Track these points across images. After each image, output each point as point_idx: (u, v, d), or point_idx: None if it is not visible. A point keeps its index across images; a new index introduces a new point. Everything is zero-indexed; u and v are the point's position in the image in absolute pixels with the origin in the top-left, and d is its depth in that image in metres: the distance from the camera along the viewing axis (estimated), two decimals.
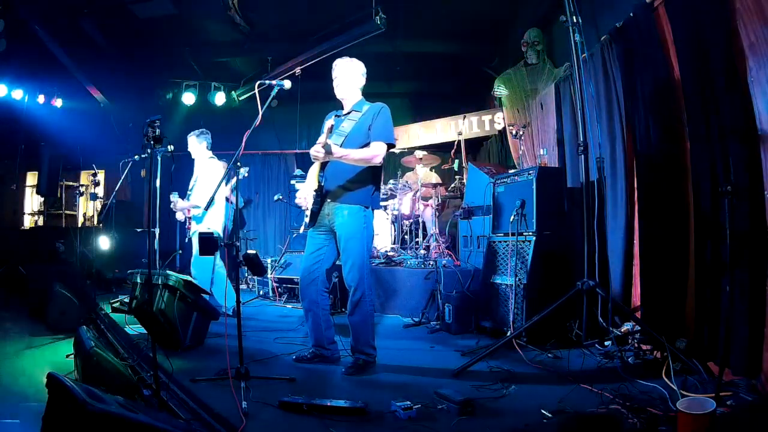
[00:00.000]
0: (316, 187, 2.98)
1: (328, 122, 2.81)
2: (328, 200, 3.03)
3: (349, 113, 3.14)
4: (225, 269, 4.87)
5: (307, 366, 3.11)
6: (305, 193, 3.11)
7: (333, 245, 3.13)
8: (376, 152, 2.95)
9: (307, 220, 3.10)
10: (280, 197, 6.72)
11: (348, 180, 3.00)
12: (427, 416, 2.25)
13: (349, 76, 3.13)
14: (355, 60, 3.19)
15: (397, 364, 3.17)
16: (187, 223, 4.89)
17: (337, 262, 3.19)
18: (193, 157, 4.92)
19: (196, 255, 4.72)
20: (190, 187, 4.85)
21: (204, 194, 4.71)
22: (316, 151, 2.84)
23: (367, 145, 2.99)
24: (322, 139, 2.83)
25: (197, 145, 4.88)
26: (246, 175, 6.63)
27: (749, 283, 2.43)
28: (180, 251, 4.89)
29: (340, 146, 2.95)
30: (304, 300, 3.16)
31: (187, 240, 4.94)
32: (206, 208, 4.54)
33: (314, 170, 3.00)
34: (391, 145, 3.03)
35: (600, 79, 3.98)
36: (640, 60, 3.43)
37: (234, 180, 5.64)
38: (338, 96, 3.16)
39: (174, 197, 4.79)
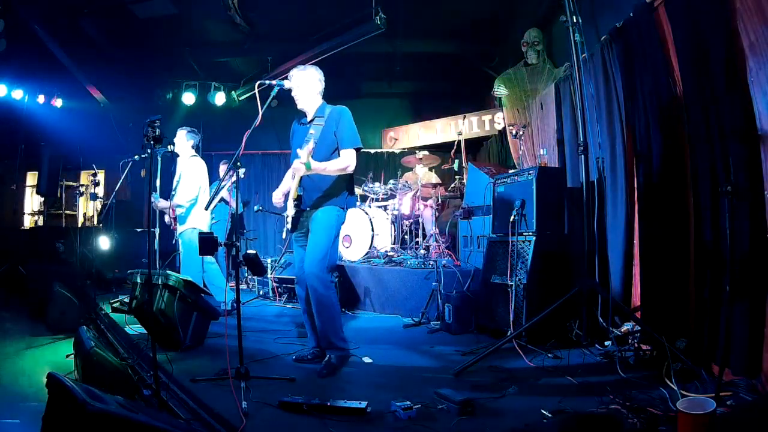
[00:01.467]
0: (295, 197, 3.08)
1: (307, 146, 2.87)
2: (308, 208, 3.13)
3: (312, 120, 3.18)
4: (216, 264, 4.87)
5: (307, 366, 3.11)
6: (281, 197, 3.24)
7: None
8: (349, 161, 3.05)
9: (288, 226, 3.22)
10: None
11: (324, 188, 3.12)
12: (427, 416, 2.25)
13: (305, 85, 3.16)
14: (309, 67, 3.21)
15: (397, 364, 3.17)
16: (173, 224, 4.86)
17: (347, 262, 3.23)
18: (176, 151, 4.90)
19: (185, 256, 4.72)
20: (174, 186, 4.83)
21: (186, 193, 4.70)
22: (296, 168, 2.92)
23: (336, 150, 3.09)
24: (303, 153, 2.87)
25: (185, 141, 4.86)
26: (243, 176, 6.62)
27: (749, 283, 2.43)
28: (180, 251, 4.89)
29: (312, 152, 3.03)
30: (300, 300, 3.24)
31: (174, 241, 4.91)
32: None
33: (293, 182, 3.07)
34: (359, 149, 3.12)
35: (600, 79, 3.98)
36: (640, 60, 3.43)
37: (233, 179, 5.63)
38: (299, 107, 3.21)
39: (154, 198, 4.77)
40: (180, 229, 4.77)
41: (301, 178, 3.04)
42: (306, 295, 3.14)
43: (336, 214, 3.12)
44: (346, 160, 3.04)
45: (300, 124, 3.29)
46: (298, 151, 2.90)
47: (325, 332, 3.05)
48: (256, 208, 6.90)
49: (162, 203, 4.75)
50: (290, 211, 3.16)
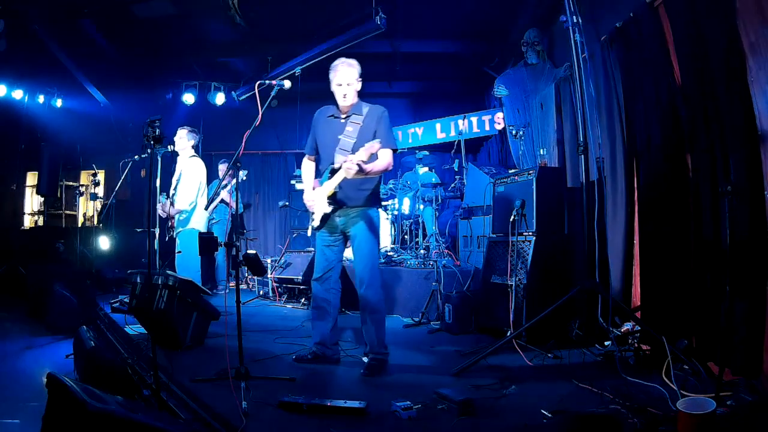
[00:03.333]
0: (330, 193, 3.03)
1: (369, 147, 2.79)
2: (342, 205, 3.09)
3: (349, 116, 3.13)
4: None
5: (307, 366, 3.11)
6: (314, 196, 3.16)
7: (342, 246, 3.23)
8: (389, 161, 3.06)
9: (314, 223, 3.16)
10: (286, 204, 6.75)
11: (363, 188, 3.10)
12: (428, 416, 2.25)
13: (355, 82, 3.10)
14: (353, 62, 3.14)
15: (397, 364, 3.17)
16: (169, 222, 4.84)
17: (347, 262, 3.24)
18: (176, 150, 4.89)
19: (182, 256, 4.71)
20: (173, 186, 4.82)
21: (187, 196, 4.69)
22: (349, 168, 2.84)
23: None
24: (364, 153, 2.79)
25: (186, 141, 4.84)
26: (244, 178, 6.62)
27: (749, 283, 2.43)
28: (179, 251, 4.89)
29: (350, 151, 3.00)
30: (315, 298, 3.23)
31: (167, 239, 4.90)
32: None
33: (334, 179, 2.99)
34: (396, 150, 3.13)
35: (600, 79, 3.98)
36: (640, 60, 3.43)
37: (234, 182, 5.63)
38: (344, 103, 3.12)
39: (162, 199, 4.76)
40: (179, 229, 4.77)
41: (334, 173, 3.01)
42: (323, 295, 3.18)
43: (374, 216, 3.14)
44: (387, 160, 3.04)
45: (330, 116, 3.20)
46: (364, 147, 2.80)
47: (374, 338, 3.08)
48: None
49: (172, 210, 4.72)
50: (323, 208, 3.09)
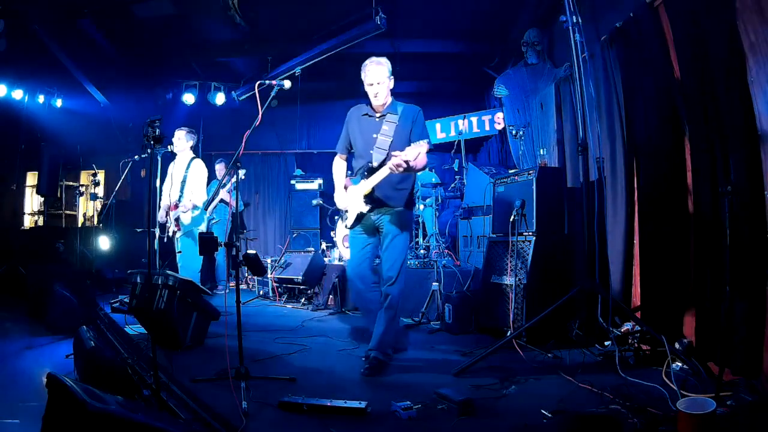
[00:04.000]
0: (368, 192, 3.04)
1: (420, 145, 2.78)
2: (379, 205, 3.09)
3: (384, 115, 3.13)
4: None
5: (307, 366, 3.11)
6: (349, 195, 3.17)
7: (375, 244, 3.24)
8: (426, 160, 3.04)
9: (348, 222, 3.19)
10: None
11: (401, 187, 3.12)
12: (428, 416, 2.25)
13: (386, 80, 3.10)
14: (383, 59, 3.14)
15: (397, 364, 3.17)
16: (169, 222, 4.84)
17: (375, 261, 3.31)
18: (175, 151, 4.89)
19: (184, 255, 4.72)
20: (177, 187, 4.82)
21: (199, 195, 4.71)
22: (397, 165, 2.82)
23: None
24: (412, 152, 2.78)
25: (184, 142, 4.86)
26: (243, 177, 6.61)
27: (749, 283, 2.43)
28: (180, 251, 4.89)
29: (387, 149, 3.03)
30: (360, 302, 3.36)
31: (166, 240, 4.90)
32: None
33: (375, 177, 2.99)
34: (431, 149, 3.11)
35: (600, 79, 3.98)
36: (640, 60, 3.43)
37: (233, 180, 5.63)
38: (376, 102, 3.12)
39: (167, 201, 4.77)
40: (191, 228, 4.78)
41: (371, 172, 3.02)
42: (362, 290, 3.22)
43: (409, 216, 3.17)
44: (425, 160, 3.02)
45: (364, 115, 3.21)
46: (413, 146, 2.78)
47: (385, 338, 3.06)
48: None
49: (191, 214, 4.72)
50: (359, 207, 3.10)
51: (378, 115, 3.14)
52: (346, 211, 3.20)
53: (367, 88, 3.10)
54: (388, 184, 3.04)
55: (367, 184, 3.03)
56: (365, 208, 3.07)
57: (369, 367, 2.94)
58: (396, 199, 3.11)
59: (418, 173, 3.23)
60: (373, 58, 3.13)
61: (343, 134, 3.30)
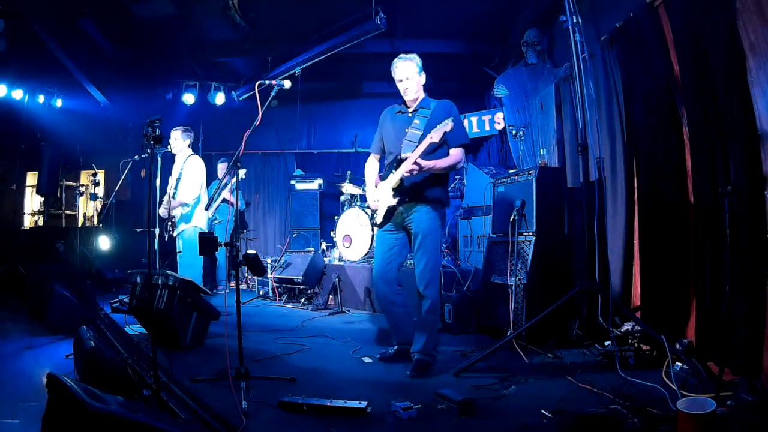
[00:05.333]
0: (396, 184, 2.97)
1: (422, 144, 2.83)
2: (406, 199, 3.01)
3: (416, 110, 3.10)
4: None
5: (308, 366, 3.11)
6: (378, 192, 3.11)
7: (404, 244, 3.14)
8: (460, 158, 3.01)
9: (377, 219, 3.12)
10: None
11: (425, 179, 3.01)
12: (427, 416, 2.25)
13: (415, 75, 3.08)
14: (412, 56, 3.12)
15: (398, 364, 3.16)
16: (170, 222, 4.85)
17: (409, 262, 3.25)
18: (173, 152, 4.90)
19: (185, 255, 4.72)
20: (173, 185, 4.82)
21: (190, 191, 4.70)
22: (408, 169, 2.83)
23: (441, 145, 3.00)
24: (408, 148, 2.82)
25: (181, 141, 4.87)
26: (243, 177, 6.59)
27: (749, 283, 2.43)
28: (180, 251, 4.89)
29: (417, 142, 2.96)
30: (382, 303, 3.19)
31: (167, 238, 4.91)
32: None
33: (396, 174, 2.96)
34: (467, 146, 3.10)
35: (600, 79, 3.98)
36: (640, 60, 3.43)
37: (234, 180, 5.63)
38: (408, 98, 3.12)
39: (166, 199, 4.78)
40: (182, 227, 4.78)
41: (399, 164, 2.96)
42: (389, 296, 3.10)
43: (440, 213, 3.06)
44: (458, 157, 2.99)
45: (398, 113, 3.19)
46: (424, 143, 2.82)
47: (426, 339, 2.97)
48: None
49: (173, 204, 4.72)
50: (387, 201, 3.03)
51: (411, 110, 3.13)
52: (376, 210, 3.13)
53: (398, 85, 3.10)
54: (418, 177, 2.95)
55: (395, 176, 2.96)
56: (393, 202, 3.00)
57: (415, 368, 2.90)
58: (428, 193, 3.01)
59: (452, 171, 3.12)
60: (402, 55, 3.12)
61: (377, 135, 3.29)
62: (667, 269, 3.14)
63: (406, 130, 3.05)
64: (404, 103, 3.17)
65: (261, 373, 2.80)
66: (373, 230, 5.84)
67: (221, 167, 7.30)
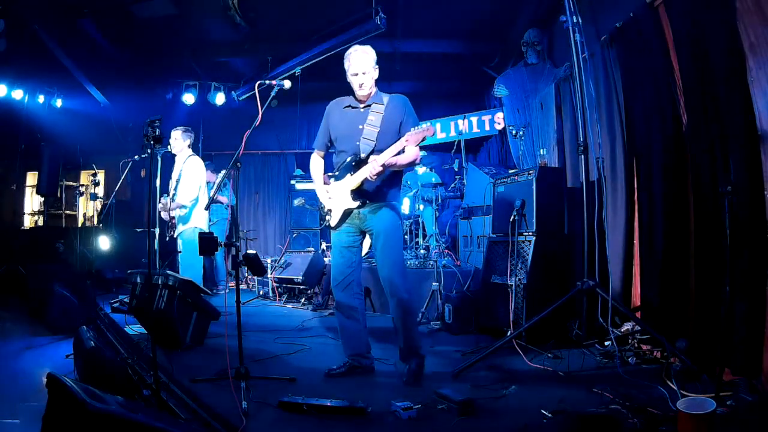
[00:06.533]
0: (356, 186, 2.87)
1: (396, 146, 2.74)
2: (369, 200, 2.89)
3: (369, 105, 2.96)
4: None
5: (307, 366, 3.10)
6: (333, 192, 2.99)
7: (361, 246, 3.06)
8: (417, 154, 2.91)
9: (332, 221, 2.99)
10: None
11: (386, 179, 2.91)
12: (427, 416, 2.25)
13: (371, 69, 2.92)
14: (368, 48, 2.95)
15: (398, 364, 3.16)
16: (170, 222, 4.85)
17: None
18: (173, 152, 4.90)
19: (184, 255, 4.72)
20: (173, 185, 4.83)
21: (188, 193, 4.70)
22: (375, 172, 2.74)
23: (397, 141, 2.85)
24: (367, 147, 2.73)
25: (181, 141, 4.86)
26: (228, 179, 6.58)
27: (749, 283, 2.43)
28: (180, 251, 4.89)
29: (375, 140, 2.86)
30: (341, 307, 2.99)
31: (168, 239, 4.91)
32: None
33: (357, 176, 2.86)
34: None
35: (600, 79, 3.98)
36: (640, 60, 3.43)
37: (221, 176, 5.60)
38: (361, 93, 2.95)
39: (164, 199, 4.78)
40: (180, 228, 4.78)
41: (358, 167, 2.86)
42: (349, 302, 2.96)
43: (397, 212, 2.97)
44: (416, 153, 2.88)
45: (346, 107, 3.02)
46: (392, 148, 2.74)
47: (410, 339, 2.88)
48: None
49: (172, 205, 4.72)
50: (345, 203, 2.91)
51: (363, 105, 2.97)
52: (329, 211, 3.02)
53: (351, 79, 2.93)
54: (380, 176, 2.84)
55: (356, 178, 2.85)
56: (353, 204, 2.88)
57: (412, 375, 2.77)
58: (388, 193, 2.94)
59: (412, 167, 3.11)
60: (358, 47, 2.94)
61: (322, 129, 3.10)
62: (667, 269, 3.14)
63: (360, 127, 2.90)
64: (354, 96, 2.99)
65: (261, 373, 2.80)
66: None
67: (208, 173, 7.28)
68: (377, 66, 2.96)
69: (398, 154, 2.82)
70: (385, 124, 2.90)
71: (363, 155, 2.87)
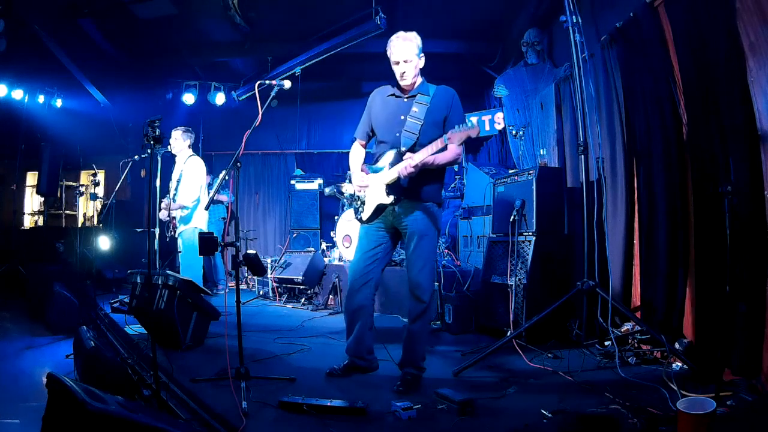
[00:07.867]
0: (391, 181, 2.69)
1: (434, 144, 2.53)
2: (402, 198, 2.72)
3: (413, 95, 2.81)
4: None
5: (307, 366, 3.10)
6: (369, 182, 2.83)
7: (391, 244, 2.90)
8: (459, 153, 2.74)
9: (364, 214, 2.85)
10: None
11: (424, 176, 2.72)
12: (427, 416, 2.25)
13: (415, 57, 2.74)
14: (412, 35, 2.77)
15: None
16: (171, 222, 4.86)
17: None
18: (173, 152, 4.91)
19: (185, 255, 4.72)
20: (173, 186, 4.83)
21: (189, 193, 4.71)
22: (407, 173, 2.59)
23: (440, 135, 2.63)
24: (409, 141, 2.57)
25: (182, 142, 4.88)
26: (227, 178, 6.59)
27: (749, 283, 2.43)
28: (180, 251, 4.89)
29: (417, 133, 2.71)
30: (352, 305, 2.86)
31: (168, 239, 4.91)
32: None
33: (391, 170, 2.71)
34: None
35: (600, 79, 3.98)
36: (640, 60, 3.43)
37: (220, 176, 5.61)
38: (404, 83, 2.79)
39: (166, 201, 4.79)
40: (181, 228, 4.78)
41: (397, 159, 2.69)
42: (360, 301, 2.83)
43: (436, 212, 2.79)
44: (458, 152, 2.71)
45: (390, 96, 2.86)
46: (429, 148, 2.56)
47: (415, 350, 2.77)
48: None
49: (173, 206, 4.73)
50: (379, 198, 2.75)
51: (407, 95, 2.82)
52: (362, 204, 2.88)
53: (394, 67, 2.77)
54: (420, 171, 2.65)
55: (392, 173, 2.66)
56: (387, 200, 2.69)
57: (403, 384, 2.62)
58: (426, 192, 2.75)
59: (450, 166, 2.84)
60: (401, 33, 2.76)
61: (364, 118, 2.96)
62: (667, 269, 3.14)
63: (403, 118, 2.76)
64: (398, 86, 2.85)
65: (261, 373, 2.80)
66: None
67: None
68: (422, 54, 2.81)
69: (438, 151, 2.63)
70: (430, 117, 2.73)
71: (403, 148, 2.71)
